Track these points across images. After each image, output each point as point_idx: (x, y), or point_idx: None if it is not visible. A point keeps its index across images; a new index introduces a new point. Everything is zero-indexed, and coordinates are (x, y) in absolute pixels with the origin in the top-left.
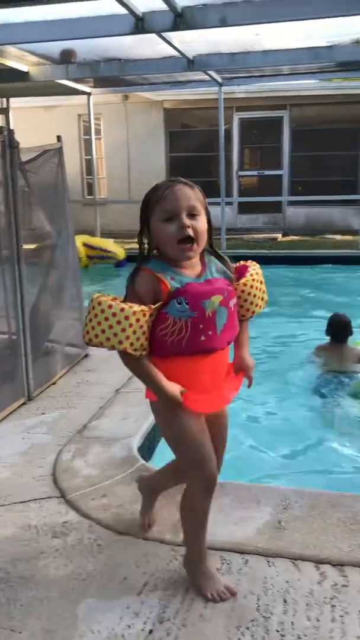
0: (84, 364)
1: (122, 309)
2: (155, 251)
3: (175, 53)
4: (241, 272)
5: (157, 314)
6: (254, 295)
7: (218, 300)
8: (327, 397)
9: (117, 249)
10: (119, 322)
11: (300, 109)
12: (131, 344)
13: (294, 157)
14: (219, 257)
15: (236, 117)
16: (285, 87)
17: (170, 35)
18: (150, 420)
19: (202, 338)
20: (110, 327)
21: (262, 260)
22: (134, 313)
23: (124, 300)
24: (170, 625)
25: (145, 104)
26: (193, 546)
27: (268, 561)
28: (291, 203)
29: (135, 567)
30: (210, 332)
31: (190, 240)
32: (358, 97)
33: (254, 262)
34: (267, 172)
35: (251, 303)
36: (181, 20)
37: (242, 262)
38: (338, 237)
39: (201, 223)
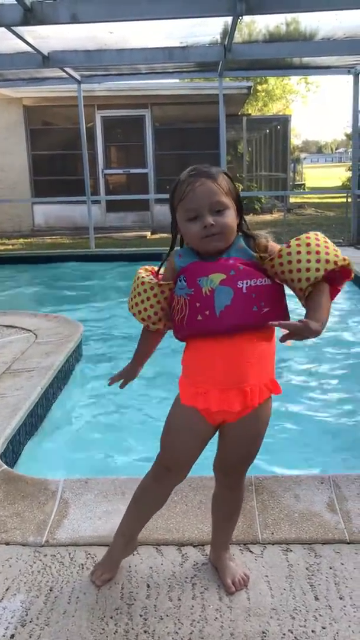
0: None
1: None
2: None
3: (29, 49)
4: None
5: (170, 295)
6: (298, 261)
7: (218, 278)
8: None
9: None
10: (139, 294)
11: (161, 108)
12: (139, 312)
13: (157, 156)
14: (247, 236)
15: (98, 115)
16: (146, 86)
17: (23, 30)
18: (13, 425)
19: (199, 317)
20: (140, 297)
21: (132, 258)
22: (142, 284)
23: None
24: (33, 626)
25: (2, 100)
26: (122, 521)
27: None
28: (158, 201)
29: None
30: (207, 312)
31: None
32: (216, 97)
33: (315, 233)
34: (132, 171)
35: (298, 270)
36: (31, 15)
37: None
38: None
39: (227, 217)
